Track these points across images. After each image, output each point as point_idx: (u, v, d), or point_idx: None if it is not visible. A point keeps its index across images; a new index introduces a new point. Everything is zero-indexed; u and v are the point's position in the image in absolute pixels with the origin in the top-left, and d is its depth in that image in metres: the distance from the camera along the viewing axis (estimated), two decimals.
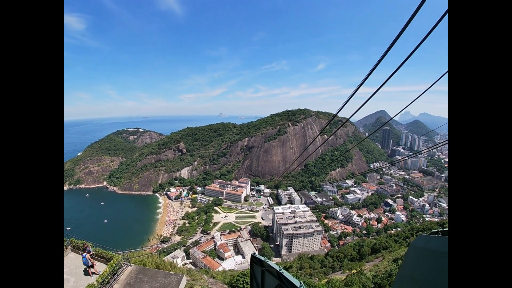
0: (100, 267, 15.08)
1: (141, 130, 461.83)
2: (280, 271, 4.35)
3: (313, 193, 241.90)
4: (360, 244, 76.20)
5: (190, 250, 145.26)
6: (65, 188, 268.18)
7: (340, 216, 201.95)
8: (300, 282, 3.72)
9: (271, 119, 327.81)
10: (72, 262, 15.61)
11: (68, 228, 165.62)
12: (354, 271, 34.44)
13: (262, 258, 5.70)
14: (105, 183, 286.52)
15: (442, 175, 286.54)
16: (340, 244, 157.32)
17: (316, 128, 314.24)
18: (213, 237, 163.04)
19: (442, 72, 5.21)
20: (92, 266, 14.62)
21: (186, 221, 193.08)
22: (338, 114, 7.03)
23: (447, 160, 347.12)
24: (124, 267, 15.21)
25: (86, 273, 14.51)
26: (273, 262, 5.18)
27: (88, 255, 14.32)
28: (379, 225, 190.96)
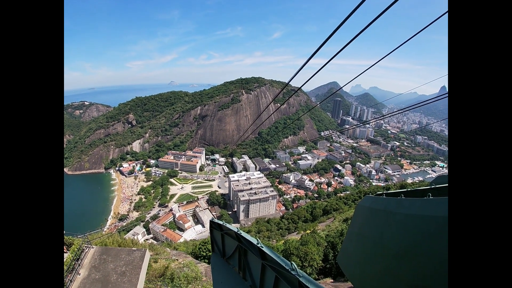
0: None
1: (87, 103, 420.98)
2: (238, 232, 4.70)
3: (266, 160, 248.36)
4: (313, 207, 79.83)
5: (150, 225, 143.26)
6: None
7: (293, 181, 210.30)
8: (257, 240, 4.02)
9: (225, 87, 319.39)
10: None
11: None
12: (308, 231, 37.10)
13: (221, 222, 5.90)
14: None
15: (388, 144, 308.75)
16: (294, 207, 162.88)
17: (269, 96, 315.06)
18: (171, 210, 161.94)
19: (392, 48, 5.80)
20: None
21: (143, 196, 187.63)
22: (291, 83, 7.44)
23: (393, 131, 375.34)
24: (87, 250, 14.94)
25: None
26: (231, 225, 5.48)
27: None
28: (329, 188, 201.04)
